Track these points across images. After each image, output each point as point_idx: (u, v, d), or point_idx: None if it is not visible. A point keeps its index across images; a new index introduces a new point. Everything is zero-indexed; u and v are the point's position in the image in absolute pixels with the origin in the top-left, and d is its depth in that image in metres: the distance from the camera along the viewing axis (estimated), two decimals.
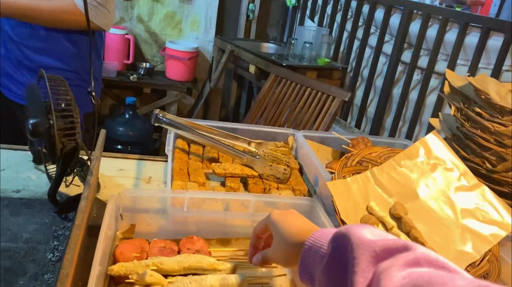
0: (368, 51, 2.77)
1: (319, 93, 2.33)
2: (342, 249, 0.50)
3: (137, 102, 3.04)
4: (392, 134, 2.61)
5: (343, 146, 1.21)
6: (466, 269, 0.83)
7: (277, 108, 2.43)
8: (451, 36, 2.26)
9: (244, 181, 1.11)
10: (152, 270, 0.68)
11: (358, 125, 2.83)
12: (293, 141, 1.27)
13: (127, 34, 3.05)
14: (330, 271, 0.51)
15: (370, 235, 0.49)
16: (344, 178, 0.88)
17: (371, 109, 2.77)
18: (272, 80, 2.51)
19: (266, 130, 1.30)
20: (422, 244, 0.81)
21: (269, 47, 3.26)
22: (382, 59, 2.68)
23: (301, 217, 0.66)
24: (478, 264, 0.84)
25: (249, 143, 1.19)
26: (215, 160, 1.15)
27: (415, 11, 2.43)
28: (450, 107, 1.22)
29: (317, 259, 0.54)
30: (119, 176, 1.09)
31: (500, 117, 1.05)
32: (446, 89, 1.24)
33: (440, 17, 2.28)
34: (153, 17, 3.23)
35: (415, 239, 0.82)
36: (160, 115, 1.09)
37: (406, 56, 2.51)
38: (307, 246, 0.57)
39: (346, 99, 2.25)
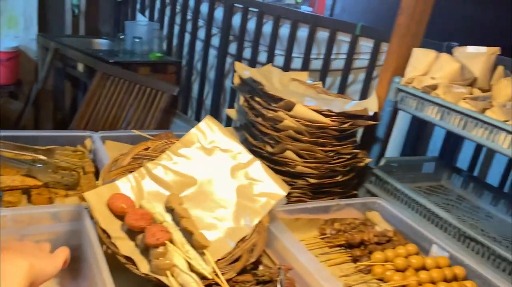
0: (199, 44, 2.82)
1: (148, 89, 2.31)
2: None
3: None
4: (229, 124, 2.71)
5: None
6: (237, 244, 0.90)
7: (107, 107, 2.34)
8: (267, 28, 2.42)
9: (28, 193, 1.04)
10: None
11: (198, 118, 2.88)
12: (91, 144, 1.23)
13: None
14: None
15: None
16: (113, 182, 0.88)
17: (208, 101, 2.84)
18: (99, 79, 2.40)
19: (64, 135, 1.24)
20: (191, 233, 0.85)
21: (101, 44, 3.11)
22: (213, 52, 2.76)
23: None
24: (249, 238, 0.92)
25: (35, 151, 1.12)
26: None
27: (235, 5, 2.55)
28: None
29: None
30: None
31: (273, 104, 1.15)
32: (236, 80, 1.32)
33: (257, 10, 2.43)
34: None
35: (184, 229, 0.86)
36: None
37: (233, 48, 2.62)
38: None
39: (175, 93, 2.27)
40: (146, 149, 0.96)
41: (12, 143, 1.11)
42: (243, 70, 1.30)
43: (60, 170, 1.06)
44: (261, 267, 0.91)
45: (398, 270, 0.99)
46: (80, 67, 2.71)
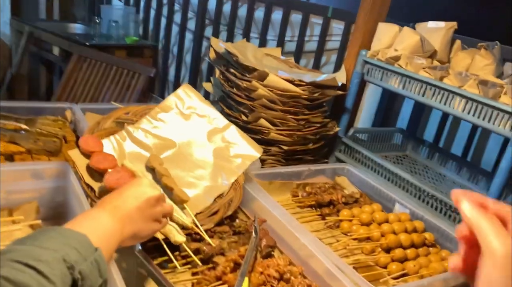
0: (175, 28, 2.84)
1: (125, 71, 2.33)
2: None
3: None
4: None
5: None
6: (215, 200, 0.97)
7: (84, 89, 2.35)
8: (243, 11, 2.47)
9: (11, 159, 1.07)
10: None
11: None
12: (71, 115, 1.27)
13: None
14: None
15: None
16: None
17: None
18: (75, 61, 2.40)
19: (43, 106, 1.27)
20: (171, 188, 0.91)
21: (76, 28, 3.10)
22: (189, 36, 2.79)
23: None
24: (226, 194, 0.98)
25: (17, 120, 1.15)
26: None
27: None
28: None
29: None
30: None
31: (247, 75, 1.22)
32: (212, 55, 1.38)
33: None
34: None
35: (165, 185, 0.91)
36: None
37: (209, 31, 2.66)
38: None
39: (152, 75, 2.30)
40: (127, 113, 1.01)
41: None
42: (219, 44, 1.35)
43: (42, 137, 1.09)
44: (237, 221, 0.97)
45: (363, 224, 1.08)
46: (56, 51, 2.70)
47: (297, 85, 1.17)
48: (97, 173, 0.89)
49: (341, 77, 1.28)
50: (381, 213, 1.11)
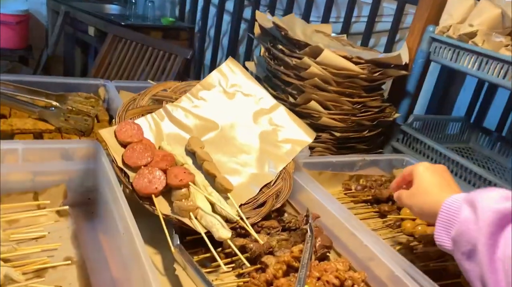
0: (212, 10, 2.73)
1: (161, 52, 2.24)
2: (469, 218, 0.53)
3: None
4: None
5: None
6: (261, 190, 0.85)
7: (118, 71, 2.27)
8: None
9: (40, 138, 0.99)
10: None
11: None
12: (105, 93, 1.18)
13: None
14: (462, 238, 0.53)
15: (499, 198, 0.51)
16: (132, 120, 0.82)
17: None
18: (110, 41, 2.33)
19: (76, 82, 1.18)
20: (213, 175, 0.80)
21: (112, 8, 3.03)
22: (226, 18, 2.67)
23: (447, 176, 0.69)
24: (273, 184, 0.87)
25: (47, 96, 1.06)
26: (3, 117, 1.00)
27: None
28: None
29: (450, 226, 0.57)
30: None
31: (297, 51, 1.08)
32: (257, 30, 1.25)
33: None
34: None
35: (207, 171, 0.80)
36: None
37: (248, 13, 2.53)
38: (442, 212, 0.59)
39: (188, 57, 2.20)
40: (165, 90, 0.90)
41: (25, 87, 1.05)
42: (265, 19, 1.23)
43: (73, 115, 1.00)
44: (286, 215, 0.85)
45: (429, 225, 0.94)
46: (91, 31, 2.64)
47: (355, 63, 1.03)
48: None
49: (403, 56, 1.13)
50: None
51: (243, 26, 2.58)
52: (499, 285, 0.48)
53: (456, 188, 0.67)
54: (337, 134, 1.09)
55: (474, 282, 0.53)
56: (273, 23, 1.13)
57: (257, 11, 1.26)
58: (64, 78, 1.15)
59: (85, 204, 0.81)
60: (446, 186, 0.67)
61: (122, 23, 2.41)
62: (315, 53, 1.04)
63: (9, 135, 0.95)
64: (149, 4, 2.64)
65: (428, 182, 0.68)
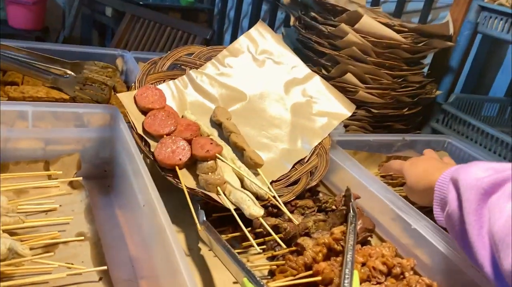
0: None
1: (179, 32, 2.16)
2: (454, 199, 0.53)
3: None
4: None
5: None
6: (294, 167, 0.76)
7: (136, 50, 2.20)
8: None
9: None
10: None
11: None
12: (123, 64, 1.10)
13: None
14: (453, 215, 0.53)
15: (480, 172, 0.51)
16: (153, 85, 0.74)
17: None
18: (128, 21, 2.26)
19: (92, 51, 1.10)
20: (242, 148, 0.71)
21: None
22: None
23: (430, 160, 0.71)
24: (308, 160, 0.78)
25: (62, 64, 0.99)
26: (15, 84, 0.93)
27: None
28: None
29: (444, 205, 0.57)
30: None
31: (332, 18, 0.99)
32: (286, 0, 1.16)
33: None
34: None
35: (234, 144, 0.72)
36: None
37: None
38: (436, 196, 0.60)
39: (208, 37, 2.11)
40: (189, 55, 0.82)
41: (38, 53, 0.98)
42: None
43: (89, 84, 0.93)
44: (321, 195, 0.77)
45: None
46: (108, 11, 2.57)
47: (397, 32, 0.93)
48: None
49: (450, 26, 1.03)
50: None
51: (264, 7, 2.48)
52: (492, 260, 0.47)
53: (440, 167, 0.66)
54: (375, 111, 1.00)
55: (472, 262, 0.53)
56: None
57: None
58: (80, 46, 1.08)
59: (100, 176, 0.73)
60: (438, 167, 0.66)
61: (140, 2, 2.33)
62: (353, 20, 0.94)
63: None
64: None
65: (413, 177, 0.70)
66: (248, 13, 2.56)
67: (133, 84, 0.74)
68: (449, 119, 1.10)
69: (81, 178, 0.68)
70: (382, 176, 0.98)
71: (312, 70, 1.02)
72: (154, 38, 2.18)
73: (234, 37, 2.63)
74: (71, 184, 0.69)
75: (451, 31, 1.03)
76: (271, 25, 2.39)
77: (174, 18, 2.31)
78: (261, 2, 2.45)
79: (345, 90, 0.99)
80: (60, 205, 0.64)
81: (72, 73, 0.98)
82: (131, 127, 0.68)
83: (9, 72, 0.96)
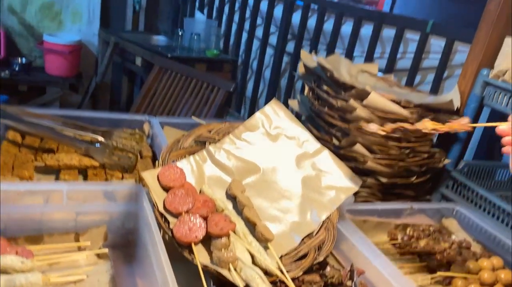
0: (256, 43, 2.77)
1: (204, 84, 2.27)
2: None
3: (11, 101, 2.75)
4: None
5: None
6: (302, 240, 0.81)
7: (163, 101, 2.33)
8: (328, 26, 2.33)
9: (85, 173, 1.01)
10: None
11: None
12: (149, 129, 1.19)
13: None
14: None
15: None
16: (173, 163, 0.82)
17: (262, 100, 2.78)
18: (156, 72, 2.39)
19: (121, 118, 1.20)
20: (254, 223, 0.77)
21: (159, 40, 3.14)
22: (269, 51, 2.69)
23: None
24: (316, 234, 0.83)
25: (94, 131, 1.08)
26: (51, 151, 1.03)
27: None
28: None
29: None
30: None
31: (343, 93, 1.06)
32: (301, 69, 1.24)
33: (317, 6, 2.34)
34: (27, 8, 2.95)
35: (247, 219, 0.78)
36: None
37: (290, 47, 2.54)
38: None
39: (231, 90, 2.22)
40: (209, 131, 0.90)
41: (72, 122, 1.08)
42: (309, 58, 1.21)
43: (118, 152, 1.02)
44: (328, 269, 0.81)
45: (484, 285, 0.87)
46: (138, 61, 2.73)
47: (403, 107, 0.99)
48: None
49: (454, 100, 1.08)
50: (506, 271, 0.89)
51: (285, 59, 2.59)
52: None
53: None
54: (383, 180, 1.05)
55: None
56: (318, 63, 1.12)
57: (302, 50, 1.25)
58: (110, 113, 1.18)
59: (125, 246, 0.80)
60: None
61: (168, 55, 2.48)
62: (362, 95, 1.01)
63: (55, 171, 0.97)
64: (195, 37, 2.71)
65: None
66: (270, 64, 2.68)
67: (157, 161, 0.82)
68: (458, 185, 1.13)
69: (107, 250, 0.75)
70: (392, 244, 1.02)
71: (324, 139, 1.09)
72: (180, 89, 2.30)
73: (256, 86, 2.74)
74: (99, 255, 0.76)
75: (457, 104, 1.08)
76: (291, 77, 2.49)
77: (200, 71, 2.44)
78: (282, 54, 2.57)
79: (354, 159, 1.05)
80: (87, 276, 0.71)
81: (103, 140, 1.07)
82: (153, 205, 0.75)
83: (46, 140, 1.06)
